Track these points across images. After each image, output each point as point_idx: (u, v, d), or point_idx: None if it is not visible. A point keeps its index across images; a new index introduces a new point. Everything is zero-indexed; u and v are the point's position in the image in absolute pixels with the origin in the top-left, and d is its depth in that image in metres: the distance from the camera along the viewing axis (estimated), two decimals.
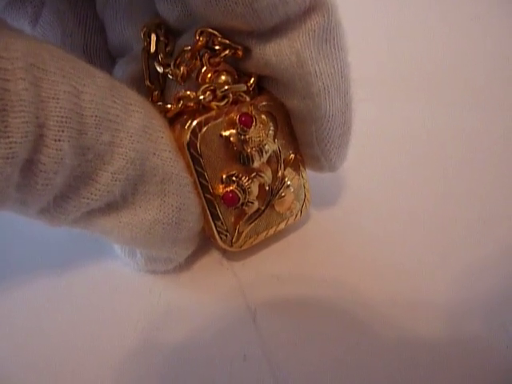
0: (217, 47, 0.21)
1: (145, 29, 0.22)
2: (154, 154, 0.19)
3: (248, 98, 0.21)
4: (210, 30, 0.20)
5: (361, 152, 0.26)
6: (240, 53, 0.21)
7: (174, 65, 0.21)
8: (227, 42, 0.20)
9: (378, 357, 0.21)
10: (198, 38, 0.20)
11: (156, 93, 0.22)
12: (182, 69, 0.21)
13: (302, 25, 0.19)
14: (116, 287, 0.23)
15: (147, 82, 0.22)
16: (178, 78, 0.21)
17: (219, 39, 0.20)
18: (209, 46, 0.21)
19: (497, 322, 0.22)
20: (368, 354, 0.21)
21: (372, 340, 0.21)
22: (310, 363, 0.21)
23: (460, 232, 0.26)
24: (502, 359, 0.21)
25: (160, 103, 0.21)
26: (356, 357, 0.21)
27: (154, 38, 0.22)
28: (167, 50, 0.22)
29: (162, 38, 0.22)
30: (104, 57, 0.25)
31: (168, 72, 0.21)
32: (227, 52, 0.21)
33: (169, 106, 0.21)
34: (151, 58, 0.22)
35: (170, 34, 0.22)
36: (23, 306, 0.23)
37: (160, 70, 0.22)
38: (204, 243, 0.24)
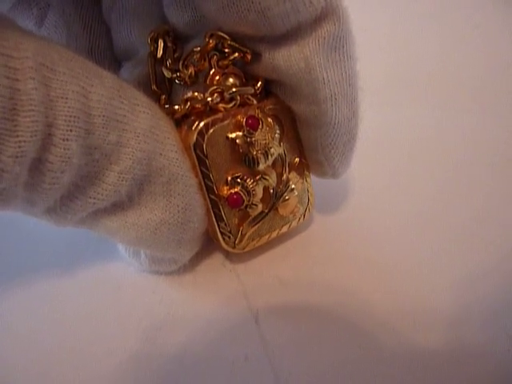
0: (226, 50, 0.21)
1: (152, 34, 0.22)
2: (161, 154, 0.19)
3: (255, 101, 0.22)
4: (220, 32, 0.20)
5: (364, 157, 0.26)
6: (249, 56, 0.21)
7: (183, 65, 0.21)
8: (236, 45, 0.21)
9: (380, 360, 0.21)
10: (207, 40, 0.21)
11: (163, 96, 0.22)
12: (190, 69, 0.21)
13: (313, 32, 0.19)
14: (119, 287, 0.23)
15: (154, 87, 0.22)
16: (186, 79, 0.21)
17: (228, 42, 0.20)
18: (218, 49, 0.21)
19: (498, 326, 0.22)
20: (369, 356, 0.21)
21: (374, 343, 0.21)
22: (312, 365, 0.21)
23: (462, 237, 0.26)
24: (504, 363, 0.21)
25: (167, 106, 0.21)
26: (357, 359, 0.21)
27: (161, 43, 0.22)
28: (175, 55, 0.22)
29: (169, 44, 0.22)
30: (109, 60, 0.25)
31: (175, 77, 0.21)
32: (236, 55, 0.21)
33: (176, 107, 0.21)
34: (157, 62, 0.22)
35: (178, 40, 0.22)
36: (26, 306, 0.23)
37: (168, 74, 0.22)
38: (207, 245, 0.24)
